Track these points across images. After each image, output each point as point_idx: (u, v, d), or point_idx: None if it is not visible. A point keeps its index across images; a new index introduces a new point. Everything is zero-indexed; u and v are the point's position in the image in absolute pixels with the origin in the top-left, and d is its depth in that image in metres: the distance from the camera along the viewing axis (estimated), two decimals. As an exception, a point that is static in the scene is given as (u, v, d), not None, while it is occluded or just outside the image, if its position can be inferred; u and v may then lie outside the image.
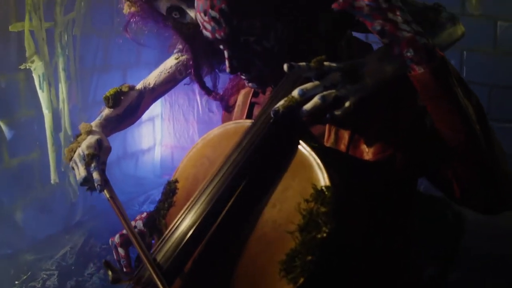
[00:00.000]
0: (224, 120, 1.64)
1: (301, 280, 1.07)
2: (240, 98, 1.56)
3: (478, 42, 3.46)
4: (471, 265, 2.63)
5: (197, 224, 1.23)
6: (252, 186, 1.22)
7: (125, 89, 1.73)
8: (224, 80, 1.67)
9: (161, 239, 1.30)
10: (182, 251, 1.23)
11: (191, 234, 1.23)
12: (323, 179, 1.12)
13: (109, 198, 1.47)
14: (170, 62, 1.78)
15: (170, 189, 1.42)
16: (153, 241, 1.44)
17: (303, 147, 1.18)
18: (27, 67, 3.04)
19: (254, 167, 1.23)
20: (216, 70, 1.65)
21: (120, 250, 1.51)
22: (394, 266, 1.39)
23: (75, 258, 3.29)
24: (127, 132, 4.22)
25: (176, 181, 1.42)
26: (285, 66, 1.14)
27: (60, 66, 3.30)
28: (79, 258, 3.30)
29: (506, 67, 3.51)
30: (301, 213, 1.11)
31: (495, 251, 2.92)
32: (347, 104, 1.15)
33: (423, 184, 1.44)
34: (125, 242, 1.51)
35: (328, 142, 1.31)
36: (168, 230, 1.29)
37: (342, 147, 1.30)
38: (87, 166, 1.52)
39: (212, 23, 1.24)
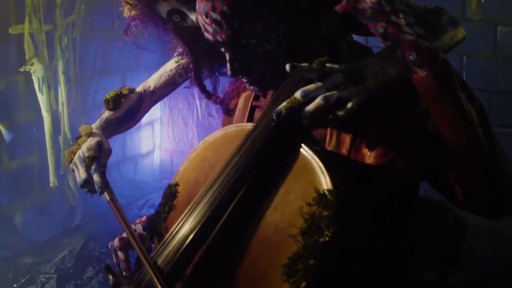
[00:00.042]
0: (224, 124, 1.63)
1: (303, 284, 1.06)
2: (241, 101, 1.56)
3: (478, 47, 3.46)
4: (473, 269, 2.63)
5: (198, 227, 1.22)
6: (253, 190, 1.21)
7: (125, 91, 1.73)
8: (223, 84, 1.66)
9: (161, 243, 1.29)
10: (183, 255, 1.23)
11: (192, 238, 1.22)
12: (325, 182, 1.12)
13: (110, 201, 1.46)
14: (170, 65, 1.77)
15: (171, 192, 1.41)
16: (153, 245, 1.43)
17: (305, 150, 1.18)
18: (27, 70, 3.04)
19: (256, 170, 1.22)
20: (216, 74, 1.64)
21: (120, 254, 1.50)
22: (396, 269, 1.38)
23: (74, 262, 3.29)
24: (126, 136, 4.22)
25: (176, 184, 1.41)
26: (288, 67, 1.14)
27: (60, 69, 3.30)
28: (78, 262, 3.30)
29: (506, 72, 3.51)
30: (303, 217, 1.10)
31: (498, 255, 2.92)
32: (349, 105, 1.15)
33: (423, 188, 1.44)
34: (125, 246, 1.50)
35: (330, 145, 1.31)
36: (168, 234, 1.29)
37: (344, 150, 1.29)
38: (88, 168, 1.51)
39: (214, 26, 1.24)
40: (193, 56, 1.61)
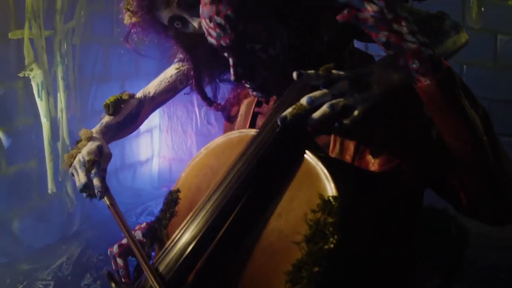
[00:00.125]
0: (226, 131, 1.62)
1: (308, 291, 1.06)
2: (242, 108, 1.55)
3: (478, 56, 3.46)
4: (476, 276, 2.63)
5: (200, 235, 1.21)
6: (257, 196, 1.20)
7: (125, 97, 1.72)
8: (223, 91, 1.66)
9: (163, 250, 1.28)
10: (185, 262, 1.21)
11: (194, 245, 1.21)
12: (330, 189, 1.11)
13: (110, 205, 1.45)
14: (171, 72, 1.77)
15: (172, 198, 1.39)
16: (153, 253, 1.42)
17: (310, 157, 1.17)
18: (26, 75, 3.04)
19: (259, 177, 1.21)
20: (217, 80, 1.64)
21: (119, 261, 1.49)
22: (399, 277, 1.37)
23: (71, 269, 3.28)
24: (125, 143, 4.22)
25: (178, 190, 1.40)
26: (294, 74, 1.12)
27: (59, 74, 3.30)
28: (75, 269, 3.29)
29: (506, 81, 3.52)
30: (308, 224, 1.09)
31: (501, 262, 2.92)
32: (355, 113, 1.14)
33: (425, 196, 1.43)
34: (124, 252, 1.49)
35: (333, 152, 1.30)
36: (170, 241, 1.27)
37: (348, 157, 1.29)
38: (88, 173, 1.50)
39: (218, 30, 1.23)
40: (193, 63, 1.61)
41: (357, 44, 1.42)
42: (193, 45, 1.56)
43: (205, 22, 1.26)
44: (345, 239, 1.08)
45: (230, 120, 1.61)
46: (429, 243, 1.66)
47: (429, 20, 1.39)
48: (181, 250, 1.22)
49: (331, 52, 1.28)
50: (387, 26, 1.11)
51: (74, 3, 3.37)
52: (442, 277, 1.68)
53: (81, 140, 1.59)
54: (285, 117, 1.14)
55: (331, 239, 1.06)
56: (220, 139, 1.38)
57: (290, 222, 1.13)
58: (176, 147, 4.68)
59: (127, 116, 1.72)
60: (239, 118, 1.54)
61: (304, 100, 1.14)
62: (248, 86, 1.33)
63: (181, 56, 1.73)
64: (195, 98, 1.66)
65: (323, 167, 1.14)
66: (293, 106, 1.14)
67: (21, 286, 3.07)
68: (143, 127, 1.85)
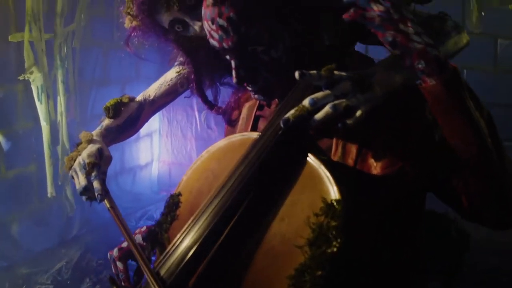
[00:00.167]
0: (227, 135, 1.61)
1: (310, 295, 1.05)
2: (244, 111, 1.54)
3: (478, 60, 3.46)
4: (477, 280, 2.62)
5: (201, 239, 1.20)
6: (259, 200, 1.19)
7: (125, 100, 1.72)
8: (223, 95, 1.65)
9: (164, 254, 1.27)
10: (186, 266, 1.21)
11: (195, 249, 1.20)
12: (333, 192, 1.10)
13: (110, 208, 1.44)
14: (171, 75, 1.77)
15: (173, 202, 1.39)
16: (153, 257, 1.41)
17: (312, 160, 1.16)
18: (26, 78, 3.03)
19: (261, 180, 1.20)
20: (217, 84, 1.63)
21: (119, 264, 1.48)
22: (402, 278, 1.37)
23: (71, 273, 3.28)
24: (125, 147, 4.21)
25: (179, 194, 1.39)
26: (297, 74, 1.12)
27: (59, 78, 3.29)
28: (75, 273, 3.29)
29: (506, 85, 3.52)
30: (311, 227, 1.09)
31: (503, 266, 2.91)
32: (358, 113, 1.13)
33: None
34: (124, 256, 1.48)
35: (335, 156, 1.29)
36: (171, 245, 1.27)
37: (350, 161, 1.28)
38: (88, 175, 1.50)
39: (220, 32, 1.23)
40: (194, 66, 1.61)
41: (357, 47, 1.42)
42: (194, 49, 1.56)
43: (207, 24, 1.25)
44: (348, 243, 1.08)
45: (231, 124, 1.60)
46: (430, 247, 1.66)
47: (430, 21, 1.39)
48: (183, 254, 1.22)
49: (333, 54, 1.27)
50: (393, 26, 1.12)
51: (75, 6, 3.37)
52: (443, 281, 1.68)
53: (81, 143, 1.59)
54: (288, 119, 1.13)
55: (334, 243, 1.06)
56: (221, 143, 1.37)
57: (292, 226, 1.13)
58: (175, 152, 4.67)
59: (127, 119, 1.72)
60: (240, 122, 1.54)
61: (306, 102, 1.13)
62: (250, 89, 1.32)
63: (181, 59, 1.73)
64: (195, 102, 1.66)
65: (326, 170, 1.14)
66: (296, 108, 1.14)
67: (20, 290, 3.07)
68: (142, 131, 1.85)
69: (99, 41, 3.75)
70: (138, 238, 1.46)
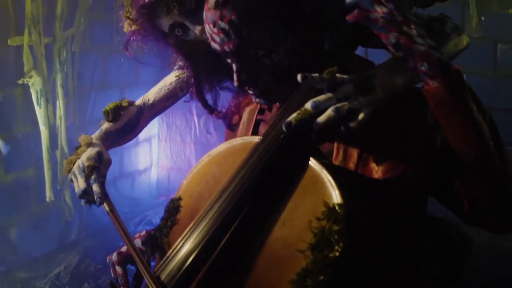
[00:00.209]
0: (227, 139, 1.60)
1: (313, 300, 1.04)
2: (245, 115, 1.54)
3: (478, 65, 3.45)
4: (478, 284, 2.61)
5: (202, 243, 1.19)
6: (260, 205, 1.19)
7: (124, 104, 1.72)
8: (222, 100, 1.65)
9: (164, 258, 1.27)
10: (187, 271, 1.20)
11: (196, 254, 1.19)
12: (335, 196, 1.10)
13: (109, 211, 1.44)
14: (170, 79, 1.76)
15: (174, 206, 1.38)
16: (153, 263, 1.40)
17: (314, 164, 1.16)
18: (25, 82, 3.02)
19: (263, 184, 1.20)
20: (217, 88, 1.63)
21: (118, 269, 1.47)
22: (404, 280, 1.36)
23: (69, 278, 3.26)
24: (123, 152, 4.20)
25: (179, 198, 1.38)
26: (299, 76, 1.12)
27: (58, 82, 3.28)
28: (73, 278, 3.27)
29: (506, 90, 3.51)
30: (313, 231, 1.08)
31: (504, 271, 2.90)
32: (361, 116, 1.13)
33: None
34: (123, 260, 1.47)
35: (337, 160, 1.29)
36: (172, 249, 1.26)
37: (351, 165, 1.28)
38: (87, 178, 1.49)
39: (221, 35, 1.22)
40: (193, 70, 1.60)
41: (356, 50, 1.42)
42: (193, 53, 1.56)
43: (208, 27, 1.25)
44: (350, 247, 1.07)
45: (231, 128, 1.60)
46: (431, 251, 1.65)
47: (431, 22, 1.39)
48: (183, 259, 1.21)
49: (335, 57, 1.27)
50: (397, 28, 1.12)
51: (74, 10, 3.36)
52: (444, 285, 1.68)
53: (80, 146, 1.58)
54: (290, 122, 1.13)
55: (336, 247, 1.06)
56: (222, 146, 1.36)
57: (294, 230, 1.12)
58: (174, 157, 4.66)
59: (127, 123, 1.72)
60: (241, 126, 1.53)
61: (308, 105, 1.13)
62: (251, 92, 1.32)
63: (181, 63, 1.73)
64: (194, 107, 1.66)
65: (327, 174, 1.13)
66: (298, 111, 1.13)
67: (18, 295, 3.06)
68: (141, 136, 1.85)
69: (98, 45, 3.74)
70: (138, 242, 1.45)
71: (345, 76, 1.16)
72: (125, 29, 1.61)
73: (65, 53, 3.31)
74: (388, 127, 1.26)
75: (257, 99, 1.33)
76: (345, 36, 1.26)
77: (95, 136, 1.64)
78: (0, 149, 3.09)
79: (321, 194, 1.11)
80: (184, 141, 4.58)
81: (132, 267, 1.43)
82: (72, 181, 1.54)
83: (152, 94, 1.77)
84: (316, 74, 1.13)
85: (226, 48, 1.24)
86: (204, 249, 1.19)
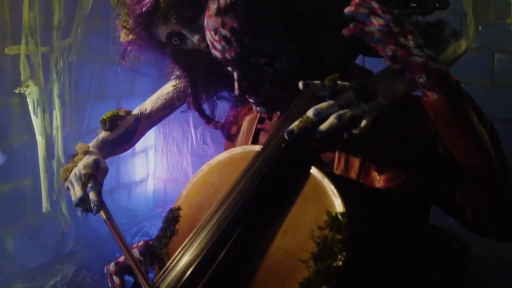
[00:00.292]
0: (226, 149, 1.59)
1: (316, 310, 1.03)
2: (244, 124, 1.53)
3: (475, 75, 3.46)
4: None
5: (202, 254, 1.18)
6: (261, 214, 1.18)
7: (122, 113, 1.72)
8: (219, 110, 1.64)
9: (164, 269, 1.25)
10: (186, 282, 1.19)
11: (196, 265, 1.18)
12: (338, 205, 1.09)
13: (106, 220, 1.43)
14: (167, 89, 1.76)
15: (173, 216, 1.37)
16: (151, 274, 1.39)
17: (316, 173, 1.15)
18: (22, 92, 3.02)
19: (264, 194, 1.18)
20: (214, 98, 1.62)
21: (115, 279, 1.46)
22: (404, 284, 1.35)
23: (65, 289, 3.24)
24: (120, 163, 4.20)
25: (179, 208, 1.37)
26: (301, 84, 1.11)
27: (55, 92, 3.28)
28: (70, 289, 3.25)
29: (503, 100, 3.51)
30: (315, 241, 1.07)
31: (504, 275, 2.90)
32: (363, 123, 1.13)
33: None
34: (121, 271, 1.46)
35: (338, 169, 1.28)
36: (171, 260, 1.25)
37: (353, 174, 1.27)
38: (84, 186, 1.48)
39: (223, 43, 1.21)
40: (190, 80, 1.59)
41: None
42: (190, 62, 1.55)
43: (209, 35, 1.24)
44: (352, 256, 1.06)
45: (230, 138, 1.59)
46: (432, 258, 1.65)
47: (429, 28, 1.38)
48: (183, 270, 1.20)
49: (336, 66, 1.26)
50: (393, 40, 1.11)
51: (71, 20, 3.36)
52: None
53: (77, 154, 1.57)
54: (292, 130, 1.12)
55: (339, 256, 1.04)
56: (222, 156, 1.35)
57: (296, 240, 1.11)
58: (171, 168, 4.64)
59: (124, 133, 1.71)
60: (241, 135, 1.52)
61: (310, 113, 1.12)
62: (252, 101, 1.31)
63: (178, 73, 1.72)
64: (191, 118, 1.65)
65: (330, 183, 1.12)
66: (300, 119, 1.12)
67: (14, 305, 3.04)
68: (138, 147, 1.84)
69: (95, 55, 3.75)
70: (136, 252, 1.44)
71: (347, 83, 1.15)
72: (121, 39, 1.61)
73: (62, 62, 3.31)
74: (389, 135, 1.25)
75: (257, 108, 1.32)
76: (346, 44, 1.25)
77: (92, 144, 1.63)
78: (-4, 158, 3.09)
79: (323, 203, 1.10)
80: (181, 152, 4.57)
81: (130, 278, 1.42)
82: (68, 189, 1.54)
83: (149, 103, 1.76)
84: (318, 81, 1.13)
85: (227, 55, 1.23)
86: (204, 261, 1.18)
